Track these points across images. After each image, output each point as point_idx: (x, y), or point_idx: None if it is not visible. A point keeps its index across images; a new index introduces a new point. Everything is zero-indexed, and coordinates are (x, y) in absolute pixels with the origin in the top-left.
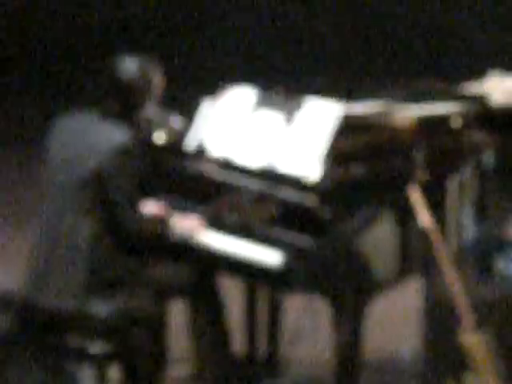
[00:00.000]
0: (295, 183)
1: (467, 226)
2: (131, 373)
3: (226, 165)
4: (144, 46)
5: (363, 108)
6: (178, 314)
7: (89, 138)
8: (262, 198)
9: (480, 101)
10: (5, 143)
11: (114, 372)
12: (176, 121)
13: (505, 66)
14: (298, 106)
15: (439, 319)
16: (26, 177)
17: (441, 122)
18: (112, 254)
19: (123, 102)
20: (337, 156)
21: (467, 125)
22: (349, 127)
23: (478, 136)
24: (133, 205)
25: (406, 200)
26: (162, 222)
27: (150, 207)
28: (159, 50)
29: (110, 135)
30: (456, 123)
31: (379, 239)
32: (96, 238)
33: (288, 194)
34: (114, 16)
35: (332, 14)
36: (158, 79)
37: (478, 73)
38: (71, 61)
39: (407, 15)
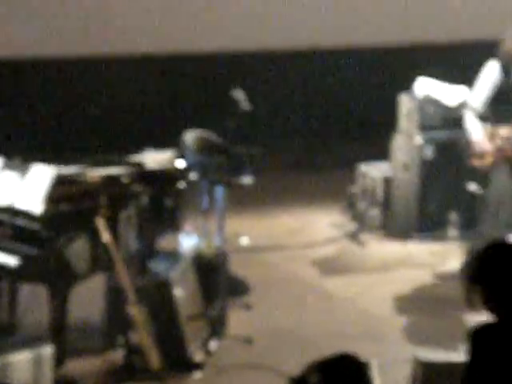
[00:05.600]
0: (26, 215)
1: (132, 241)
2: None
3: None
4: None
5: (69, 170)
6: None
7: None
8: (4, 224)
9: (139, 165)
10: None
11: None
12: None
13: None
14: (28, 169)
15: (116, 297)
16: None
17: (115, 178)
18: None
19: None
20: (52, 198)
21: (132, 180)
22: (60, 181)
23: (139, 187)
24: None
25: (95, 225)
26: None
27: None
28: None
29: None
30: (125, 179)
31: (78, 250)
32: None
33: (22, 221)
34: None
35: None
36: None
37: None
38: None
39: None
